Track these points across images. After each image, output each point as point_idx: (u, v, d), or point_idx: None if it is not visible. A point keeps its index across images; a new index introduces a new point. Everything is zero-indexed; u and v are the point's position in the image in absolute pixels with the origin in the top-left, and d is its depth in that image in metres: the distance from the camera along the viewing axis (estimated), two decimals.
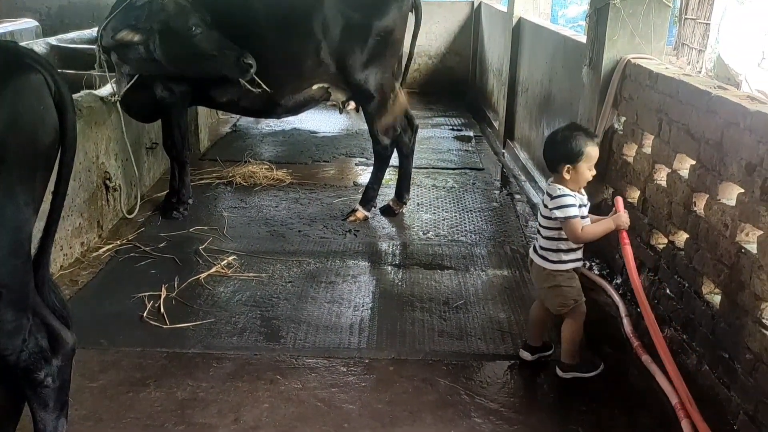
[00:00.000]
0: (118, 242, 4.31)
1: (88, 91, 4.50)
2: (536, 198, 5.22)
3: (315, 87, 4.53)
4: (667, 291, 3.23)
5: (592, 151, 2.81)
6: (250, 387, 2.91)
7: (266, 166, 5.84)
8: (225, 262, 4.07)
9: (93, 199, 4.28)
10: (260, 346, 3.22)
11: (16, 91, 1.76)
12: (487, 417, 2.76)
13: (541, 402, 2.94)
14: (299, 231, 4.62)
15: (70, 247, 3.99)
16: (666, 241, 3.30)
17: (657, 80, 3.40)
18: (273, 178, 5.62)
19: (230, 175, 5.62)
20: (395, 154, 4.86)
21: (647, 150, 3.51)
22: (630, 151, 3.74)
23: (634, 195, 3.66)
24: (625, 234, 2.89)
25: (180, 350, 3.17)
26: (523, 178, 5.78)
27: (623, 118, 3.85)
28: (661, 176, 3.38)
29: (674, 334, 3.10)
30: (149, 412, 2.73)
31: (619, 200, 2.93)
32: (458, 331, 3.40)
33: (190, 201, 4.86)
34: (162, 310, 3.51)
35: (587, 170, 2.83)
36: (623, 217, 2.85)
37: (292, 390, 2.90)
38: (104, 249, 4.21)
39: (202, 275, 3.90)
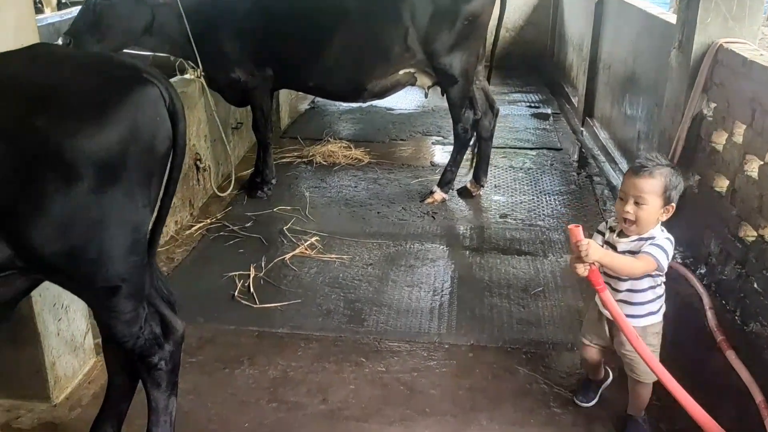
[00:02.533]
0: (208, 221, 4.55)
1: (180, 77, 4.71)
2: (616, 180, 5.14)
3: (401, 72, 4.57)
4: (755, 285, 3.17)
5: (624, 178, 2.45)
6: (336, 368, 3.06)
7: (345, 145, 5.96)
8: (308, 243, 4.23)
9: (185, 179, 4.51)
10: (344, 329, 3.37)
11: (137, 104, 1.91)
12: (566, 408, 2.82)
13: (620, 395, 2.96)
14: (378, 212, 4.73)
15: (166, 226, 4.22)
16: (755, 234, 3.22)
17: (751, 68, 3.28)
18: (351, 158, 5.74)
19: (310, 154, 5.77)
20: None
21: (738, 139, 3.41)
22: (719, 139, 3.63)
23: (723, 184, 3.57)
24: (595, 272, 2.33)
25: (270, 329, 3.35)
26: (602, 158, 5.69)
27: (713, 105, 3.73)
28: (753, 168, 3.28)
29: (761, 330, 3.05)
30: (244, 388, 2.93)
31: (574, 229, 2.26)
32: (537, 319, 3.45)
33: (274, 181, 5.04)
34: (251, 289, 3.70)
35: (619, 204, 2.44)
36: (583, 246, 2.24)
37: (376, 373, 3.03)
38: (196, 227, 4.45)
39: (287, 256, 4.07)
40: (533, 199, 4.96)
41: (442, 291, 3.72)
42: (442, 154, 5.87)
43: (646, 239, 2.39)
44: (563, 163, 5.71)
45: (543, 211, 4.75)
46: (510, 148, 6.06)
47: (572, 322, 3.41)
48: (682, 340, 3.23)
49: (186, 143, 2.12)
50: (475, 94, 4.72)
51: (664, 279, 2.50)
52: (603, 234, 2.55)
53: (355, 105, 7.39)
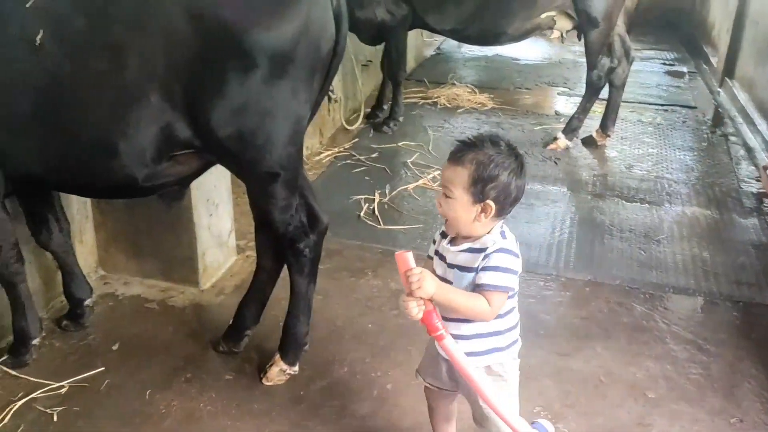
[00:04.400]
0: (336, 150, 4.77)
1: None
2: (753, 142, 4.91)
3: (543, 15, 4.53)
4: None
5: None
6: None
7: (469, 90, 6.02)
8: (430, 176, 4.36)
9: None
10: None
11: (309, 5, 2.08)
12: (683, 345, 2.83)
13: (739, 340, 2.92)
14: None
15: None
16: None
17: None
18: (475, 102, 5.78)
19: (435, 96, 5.87)
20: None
21: None
22: None
23: None
24: (431, 315, 1.72)
25: (393, 248, 3.52)
26: (740, 119, 5.42)
27: None
28: None
29: None
30: (368, 295, 3.14)
31: (401, 256, 1.71)
32: (658, 263, 3.43)
33: (400, 118, 5.19)
34: (376, 212, 3.90)
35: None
36: (413, 277, 1.68)
37: None
38: (324, 154, 4.69)
39: (411, 186, 4.23)
40: (661, 152, 4.84)
41: (561, 229, 3.76)
42: (566, 105, 5.79)
43: (478, 251, 1.76)
44: (696, 121, 5.50)
45: (671, 164, 4.63)
46: (640, 103, 5.88)
47: (695, 270, 3.36)
48: None
49: (345, 46, 2.28)
50: (614, 40, 4.62)
51: (514, 305, 1.88)
52: (434, 242, 1.93)
53: (480, 53, 7.41)
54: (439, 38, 7.92)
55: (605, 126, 4.88)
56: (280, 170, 2.23)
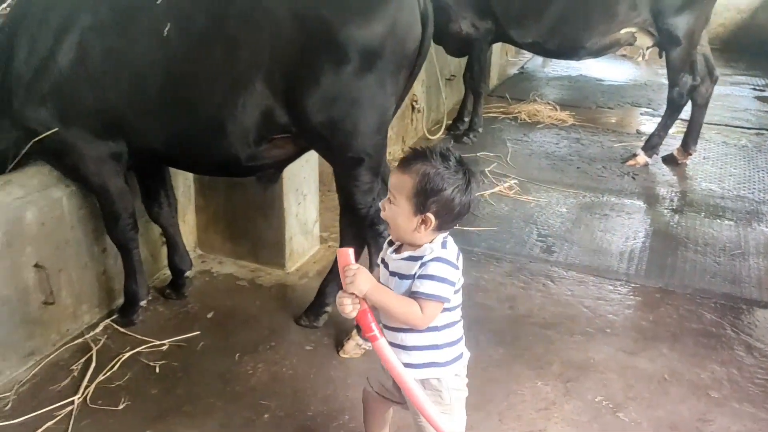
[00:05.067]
0: None
1: None
2: None
3: (623, 31, 4.62)
4: None
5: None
6: (524, 286, 3.33)
7: (550, 106, 6.13)
8: (507, 184, 4.50)
9: (402, 116, 4.98)
10: (535, 256, 3.62)
11: (399, 5, 2.32)
12: (751, 353, 2.85)
13: None
14: (578, 167, 4.87)
15: None
16: None
17: None
18: (556, 118, 5.88)
19: (516, 111, 6.01)
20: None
21: None
22: None
23: None
24: (366, 314, 1.72)
25: (467, 247, 3.69)
26: None
27: None
28: None
29: None
30: None
31: (342, 252, 1.76)
32: (732, 276, 3.44)
33: (480, 130, 5.36)
34: None
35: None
36: (349, 273, 1.70)
37: (561, 294, 3.26)
38: None
39: (487, 192, 4.39)
40: (745, 173, 4.79)
41: (635, 239, 3.82)
42: (649, 125, 5.79)
43: (416, 259, 1.74)
44: None
45: (754, 185, 4.59)
46: (726, 125, 5.81)
47: None
48: None
49: (430, 46, 2.50)
50: (696, 58, 4.64)
51: (456, 320, 1.84)
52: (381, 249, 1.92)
53: (563, 72, 7.50)
54: (524, 58, 8.10)
55: (687, 144, 4.88)
56: (365, 156, 2.46)
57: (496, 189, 4.44)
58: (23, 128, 2.46)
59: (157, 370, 2.64)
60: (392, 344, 1.78)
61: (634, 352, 2.85)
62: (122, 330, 2.86)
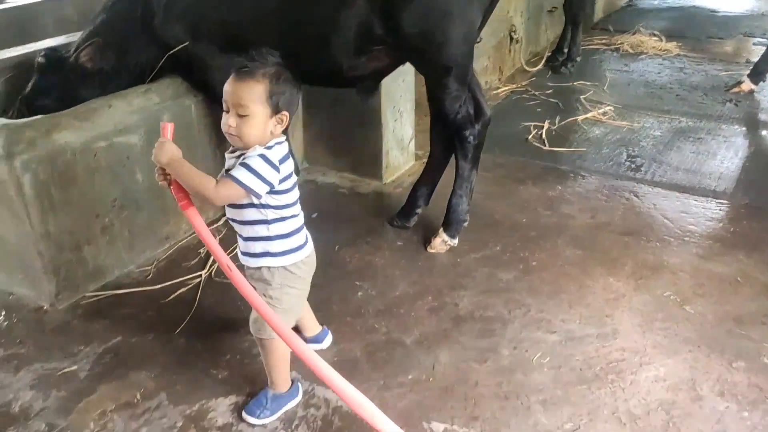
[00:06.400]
0: (513, 86, 5.12)
1: None
2: None
3: None
4: None
5: (225, 91, 1.87)
6: (607, 198, 3.48)
7: (655, 37, 6.02)
8: (602, 110, 4.57)
9: (499, 46, 5.11)
10: (621, 174, 3.74)
11: None
12: None
13: None
14: (677, 95, 4.84)
15: None
16: None
17: None
18: (660, 48, 5.80)
19: (618, 42, 5.97)
20: None
21: None
22: None
23: None
24: (178, 186, 1.87)
25: (554, 165, 3.87)
26: None
27: None
28: None
29: None
30: (526, 198, 3.51)
31: (165, 125, 1.89)
32: None
33: (578, 59, 5.40)
34: (543, 136, 4.23)
35: (224, 117, 1.88)
36: (157, 145, 1.84)
37: (643, 207, 3.38)
38: (502, 89, 5.06)
39: (580, 117, 4.49)
40: None
41: (729, 160, 3.83)
42: (760, 54, 5.56)
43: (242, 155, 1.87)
44: None
45: None
46: None
47: None
48: None
49: None
50: None
51: (288, 215, 1.98)
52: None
53: (675, 4, 7.28)
54: None
55: None
56: (453, 65, 2.69)
57: (590, 114, 4.53)
58: (160, 43, 2.88)
59: None
60: (238, 236, 1.99)
61: (709, 257, 2.96)
62: None
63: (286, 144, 1.92)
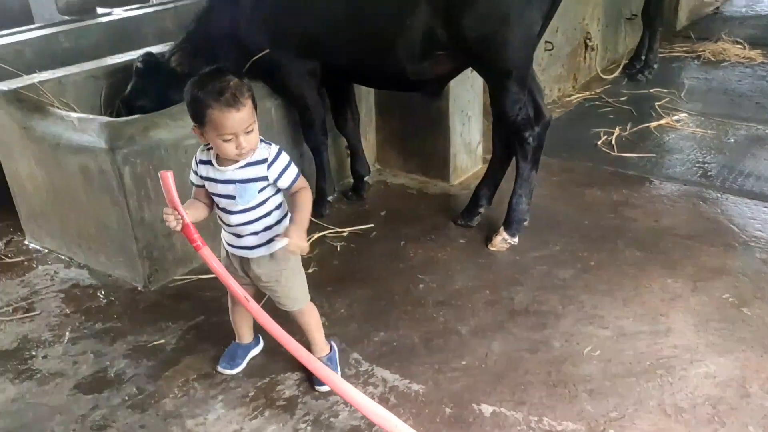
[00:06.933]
0: (587, 93, 5.16)
1: None
2: None
3: None
4: None
5: (218, 118, 1.93)
6: (673, 203, 3.49)
7: (739, 45, 5.88)
8: (676, 117, 4.55)
9: (573, 54, 5.16)
10: (690, 180, 3.73)
11: None
12: None
13: None
14: (757, 102, 4.75)
15: (549, 90, 4.99)
16: None
17: None
18: (743, 56, 5.67)
19: (700, 50, 5.87)
20: None
21: None
22: None
23: None
24: (189, 228, 2.04)
25: (622, 170, 3.90)
26: None
27: None
28: None
29: None
30: (590, 202, 3.58)
31: (164, 175, 2.00)
32: None
33: (655, 66, 5.36)
34: (613, 142, 4.26)
35: (219, 142, 1.98)
36: (301, 235, 2.00)
37: (709, 212, 3.38)
38: (575, 96, 5.11)
39: (653, 124, 4.49)
40: None
41: None
42: None
43: (261, 162, 2.05)
44: None
45: None
46: None
47: None
48: None
49: None
50: None
51: (267, 197, 2.14)
52: (197, 173, 2.14)
53: (763, 12, 7.03)
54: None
55: None
56: (513, 68, 2.82)
57: (663, 121, 4.51)
58: (244, 50, 3.16)
59: (338, 249, 3.27)
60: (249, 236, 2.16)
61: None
62: (312, 219, 3.52)
63: None
